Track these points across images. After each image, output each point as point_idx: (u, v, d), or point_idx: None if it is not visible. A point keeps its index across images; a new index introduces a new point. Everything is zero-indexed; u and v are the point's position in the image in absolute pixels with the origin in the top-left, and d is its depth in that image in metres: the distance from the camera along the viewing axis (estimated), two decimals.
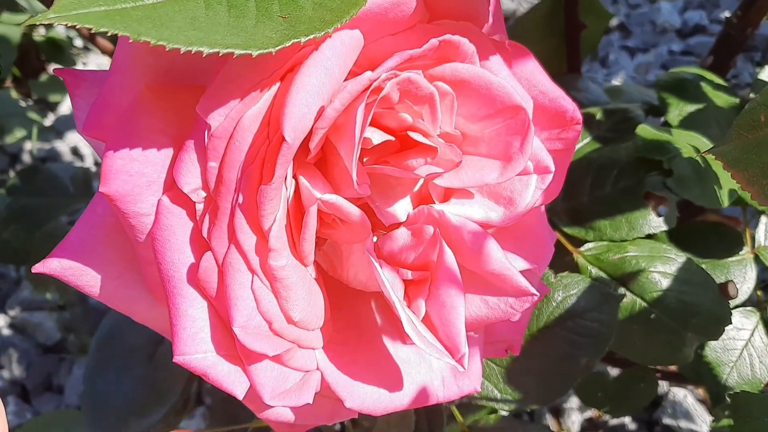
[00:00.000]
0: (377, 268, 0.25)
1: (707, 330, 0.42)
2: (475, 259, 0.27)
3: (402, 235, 0.28)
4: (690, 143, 0.46)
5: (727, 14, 1.23)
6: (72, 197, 0.61)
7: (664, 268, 0.41)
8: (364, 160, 0.28)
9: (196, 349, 0.24)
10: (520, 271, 0.28)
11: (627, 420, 0.74)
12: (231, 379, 0.25)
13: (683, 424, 0.72)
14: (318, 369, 0.27)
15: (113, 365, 0.36)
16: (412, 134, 0.27)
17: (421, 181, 0.29)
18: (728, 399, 0.45)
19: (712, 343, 0.46)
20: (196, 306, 0.25)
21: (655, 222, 0.42)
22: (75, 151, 1.22)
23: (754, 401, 0.40)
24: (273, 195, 0.24)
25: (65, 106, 1.31)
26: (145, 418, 0.36)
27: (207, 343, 0.25)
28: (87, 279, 0.26)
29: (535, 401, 0.42)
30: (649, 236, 0.43)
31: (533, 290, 0.28)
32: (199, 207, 0.24)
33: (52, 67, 1.32)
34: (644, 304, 0.41)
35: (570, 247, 0.43)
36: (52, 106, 1.30)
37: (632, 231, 0.42)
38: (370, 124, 0.26)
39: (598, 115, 0.50)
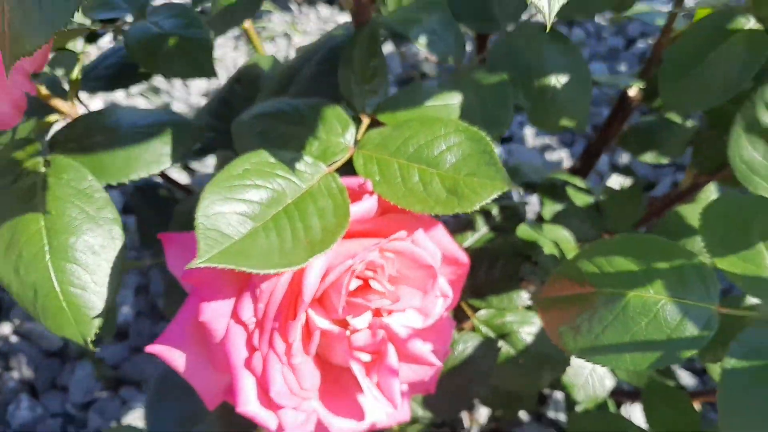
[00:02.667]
0: (351, 359, 0.45)
1: (555, 369, 0.63)
2: (407, 348, 0.48)
3: (364, 336, 0.47)
4: (555, 237, 0.67)
5: (623, 68, 1.45)
6: None
7: (529, 330, 0.62)
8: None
9: (249, 403, 0.44)
10: (432, 350, 0.49)
11: (521, 414, 0.97)
12: (267, 420, 0.44)
13: (563, 417, 0.95)
14: (314, 411, 0.47)
15: (170, 397, 0.55)
16: (371, 283, 0.47)
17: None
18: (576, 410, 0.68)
19: (568, 369, 0.68)
20: (248, 380, 0.44)
21: (524, 297, 0.63)
22: None
23: (584, 419, 0.62)
24: (295, 326, 0.43)
25: None
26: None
27: (255, 400, 0.44)
28: (177, 357, 0.45)
29: (445, 415, 0.63)
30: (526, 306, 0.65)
31: (438, 363, 0.48)
32: (251, 328, 0.44)
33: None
34: (514, 353, 0.62)
35: (470, 313, 0.64)
36: None
37: (510, 303, 0.63)
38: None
39: (494, 211, 0.71)
